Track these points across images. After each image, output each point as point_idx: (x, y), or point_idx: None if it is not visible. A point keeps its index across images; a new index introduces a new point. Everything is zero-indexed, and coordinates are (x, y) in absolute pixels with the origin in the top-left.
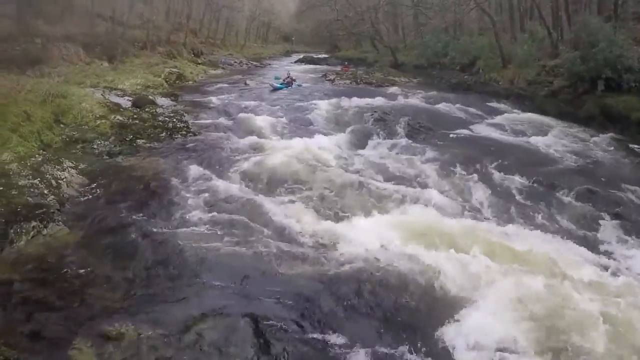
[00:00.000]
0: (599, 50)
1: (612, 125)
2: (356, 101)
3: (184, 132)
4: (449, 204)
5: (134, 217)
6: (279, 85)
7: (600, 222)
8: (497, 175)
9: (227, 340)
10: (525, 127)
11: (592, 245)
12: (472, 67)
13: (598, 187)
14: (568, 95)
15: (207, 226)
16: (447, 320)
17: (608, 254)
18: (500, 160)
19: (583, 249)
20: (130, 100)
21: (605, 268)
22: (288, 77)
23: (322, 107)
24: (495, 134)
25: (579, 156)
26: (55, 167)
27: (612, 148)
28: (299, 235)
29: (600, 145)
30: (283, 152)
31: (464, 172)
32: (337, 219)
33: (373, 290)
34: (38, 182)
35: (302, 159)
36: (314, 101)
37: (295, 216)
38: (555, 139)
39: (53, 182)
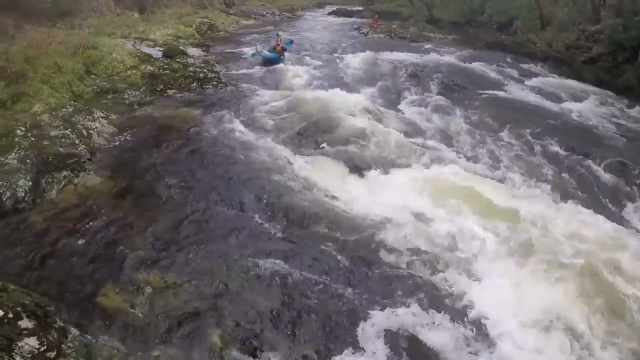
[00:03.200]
0: None
1: None
2: (390, 55)
3: (214, 83)
4: (479, 165)
5: (163, 166)
6: (269, 54)
7: (629, 196)
8: (528, 139)
9: (251, 291)
10: (561, 93)
11: (617, 219)
12: (510, 26)
13: (631, 161)
14: (607, 63)
15: (234, 178)
16: (464, 282)
17: (633, 228)
18: (533, 124)
19: (610, 222)
20: (161, 51)
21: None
22: (278, 44)
23: (355, 60)
24: (529, 97)
25: (614, 127)
26: (86, 117)
27: None
28: (324, 190)
29: (637, 117)
30: (314, 105)
31: (495, 134)
32: (363, 174)
33: (391, 250)
34: (69, 132)
35: (333, 112)
36: (347, 54)
37: (322, 171)
38: (590, 107)
39: (84, 132)
